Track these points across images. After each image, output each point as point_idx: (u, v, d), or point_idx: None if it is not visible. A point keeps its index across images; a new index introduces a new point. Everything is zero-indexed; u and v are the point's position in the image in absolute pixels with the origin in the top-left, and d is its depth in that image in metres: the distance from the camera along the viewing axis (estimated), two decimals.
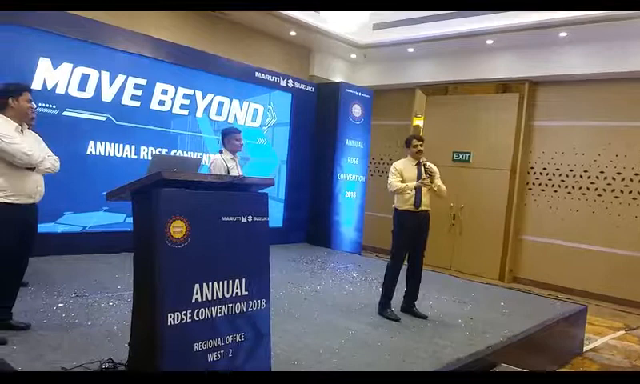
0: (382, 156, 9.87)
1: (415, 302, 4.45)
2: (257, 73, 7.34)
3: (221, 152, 4.57)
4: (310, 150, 8.08)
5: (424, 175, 4.31)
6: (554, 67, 7.91)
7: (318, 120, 8.13)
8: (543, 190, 8.32)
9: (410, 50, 8.97)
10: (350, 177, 8.20)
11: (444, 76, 9.05)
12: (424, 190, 4.30)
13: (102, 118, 5.85)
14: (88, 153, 5.76)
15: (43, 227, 5.19)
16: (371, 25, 8.88)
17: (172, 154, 6.26)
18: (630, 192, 7.51)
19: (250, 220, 2.69)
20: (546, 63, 7.96)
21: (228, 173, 4.34)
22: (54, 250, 5.30)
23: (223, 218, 2.58)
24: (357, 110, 8.25)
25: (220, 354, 2.51)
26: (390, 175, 4.39)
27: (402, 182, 4.31)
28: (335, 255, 7.32)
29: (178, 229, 2.39)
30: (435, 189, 4.35)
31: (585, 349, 5.25)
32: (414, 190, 4.27)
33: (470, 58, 8.65)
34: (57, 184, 4.56)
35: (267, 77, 7.47)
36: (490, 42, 8.13)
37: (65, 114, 5.55)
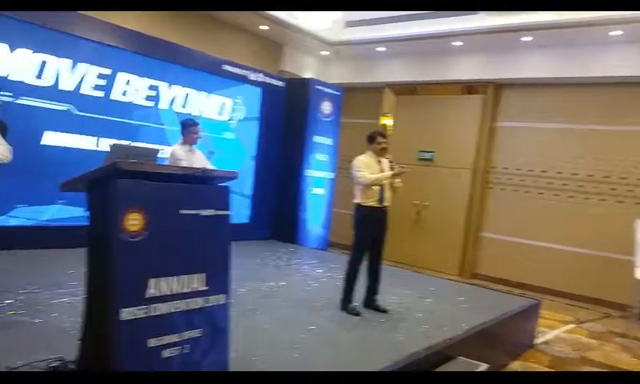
0: (352, 154, 9.79)
1: (377, 297, 4.51)
2: (225, 66, 7.25)
3: (183, 143, 4.50)
4: (278, 146, 8.03)
5: (396, 169, 4.34)
6: (517, 70, 8.13)
7: (287, 116, 8.09)
8: (503, 189, 8.55)
9: (381, 49, 9.04)
10: (318, 173, 8.21)
11: (413, 76, 9.16)
12: (386, 186, 4.34)
13: (61, 107, 5.67)
14: (43, 143, 5.56)
15: None
16: (343, 22, 8.89)
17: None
18: (584, 192, 7.79)
19: (210, 214, 2.66)
20: (510, 66, 8.17)
21: (192, 164, 4.28)
22: (5, 244, 5.05)
23: (182, 211, 2.53)
24: (326, 107, 8.26)
25: (176, 349, 2.47)
26: (355, 169, 4.34)
27: None
28: (301, 251, 7.33)
29: (134, 221, 2.34)
30: (396, 185, 4.41)
31: (537, 341, 5.43)
32: (378, 186, 4.30)
33: (438, 59, 8.79)
34: (9, 175, 4.41)
35: (236, 70, 7.38)
36: (457, 43, 8.27)
37: (20, 102, 5.35)
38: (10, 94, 5.26)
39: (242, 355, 3.09)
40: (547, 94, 8.12)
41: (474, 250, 8.73)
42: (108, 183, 2.33)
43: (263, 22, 8.05)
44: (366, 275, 4.50)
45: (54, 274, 4.56)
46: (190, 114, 6.69)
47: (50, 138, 5.62)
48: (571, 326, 6.29)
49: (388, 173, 4.33)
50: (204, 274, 2.60)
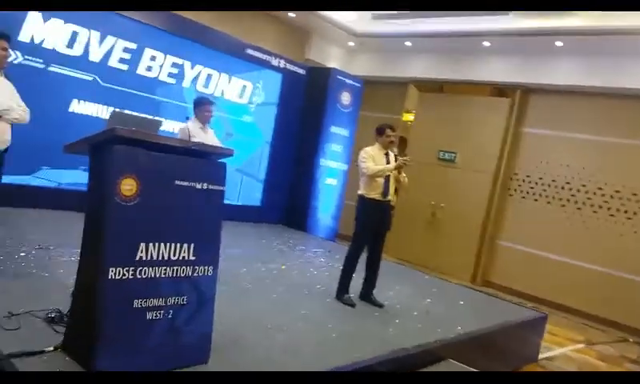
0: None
1: (374, 291, 4.51)
2: (248, 49, 7.32)
3: (187, 119, 4.55)
4: (295, 133, 8.07)
5: (399, 161, 4.35)
6: (547, 76, 7.95)
7: (306, 103, 8.11)
8: (524, 197, 8.38)
9: (408, 43, 8.97)
10: (332, 164, 8.21)
11: (438, 74, 9.06)
12: (391, 180, 4.34)
13: (87, 77, 5.86)
14: (70, 110, 5.78)
15: (18, 179, 5.28)
16: (370, 14, 8.85)
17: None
18: (609, 208, 7.55)
19: (205, 187, 2.72)
20: (539, 71, 7.99)
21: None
22: (28, 202, 5.34)
23: (177, 182, 2.60)
24: (346, 98, 8.25)
25: (160, 313, 2.56)
26: (362, 160, 4.35)
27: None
28: (308, 239, 7.37)
29: (128, 186, 2.42)
30: (402, 179, 4.41)
31: (540, 357, 5.31)
32: (383, 179, 4.31)
33: (465, 59, 8.68)
34: (35, 138, 4.62)
35: (258, 54, 7.45)
36: (486, 43, 8.14)
37: (51, 69, 5.56)
38: (41, 61, 5.48)
39: (227, 330, 3.14)
40: (577, 103, 7.90)
41: (489, 257, 8.59)
42: (106, 148, 2.44)
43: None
44: (365, 268, 4.51)
45: (68, 234, 4.65)
46: (212, 95, 6.81)
47: (77, 106, 5.83)
48: (580, 345, 6.12)
49: (392, 165, 4.32)
50: (193, 245, 2.67)
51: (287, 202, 8.08)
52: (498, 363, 4.63)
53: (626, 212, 7.42)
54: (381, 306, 4.42)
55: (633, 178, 7.37)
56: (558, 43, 7.44)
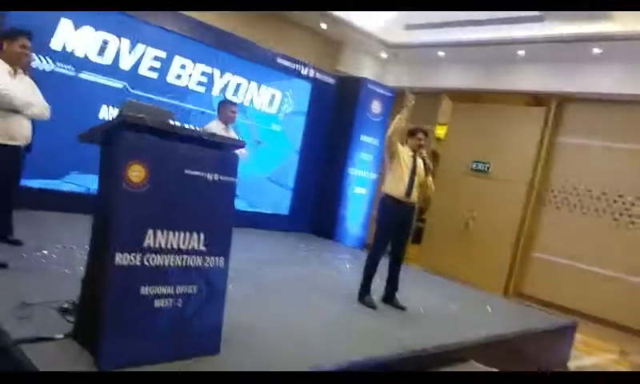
0: None
1: (396, 293, 4.39)
2: (278, 58, 7.37)
3: (219, 121, 4.60)
4: (323, 142, 8.02)
5: (419, 167, 4.27)
6: (584, 84, 7.66)
7: (335, 112, 8.07)
8: (559, 208, 8.06)
9: (441, 53, 8.85)
10: (361, 173, 8.12)
11: (472, 84, 8.88)
12: (415, 182, 4.24)
13: (118, 84, 6.01)
14: (101, 117, 5.92)
15: (48, 183, 5.42)
16: (403, 24, 8.80)
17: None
18: None
19: (216, 178, 2.70)
20: (576, 79, 7.71)
21: None
22: (57, 207, 5.37)
23: (187, 171, 2.59)
24: (376, 107, 8.18)
25: (168, 301, 2.53)
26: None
27: (396, 162, 4.25)
28: (336, 247, 7.28)
29: (136, 173, 2.42)
30: (429, 184, 4.32)
31: (569, 365, 5.10)
32: (407, 177, 4.20)
33: (500, 68, 8.48)
34: (65, 142, 4.72)
35: (288, 63, 7.48)
36: (521, 52, 7.94)
37: (81, 76, 5.72)
38: (72, 68, 5.65)
39: (240, 324, 3.10)
40: (614, 111, 7.60)
41: (522, 268, 8.31)
42: (115, 135, 2.45)
43: (323, 20, 8.13)
44: (387, 271, 4.41)
45: None
46: (241, 104, 6.86)
47: (106, 113, 5.97)
48: (614, 356, 5.88)
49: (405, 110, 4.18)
50: (203, 235, 2.64)
51: (316, 211, 8.01)
52: (525, 368, 4.41)
53: None
54: (403, 308, 4.30)
55: None
56: (596, 50, 7.17)
